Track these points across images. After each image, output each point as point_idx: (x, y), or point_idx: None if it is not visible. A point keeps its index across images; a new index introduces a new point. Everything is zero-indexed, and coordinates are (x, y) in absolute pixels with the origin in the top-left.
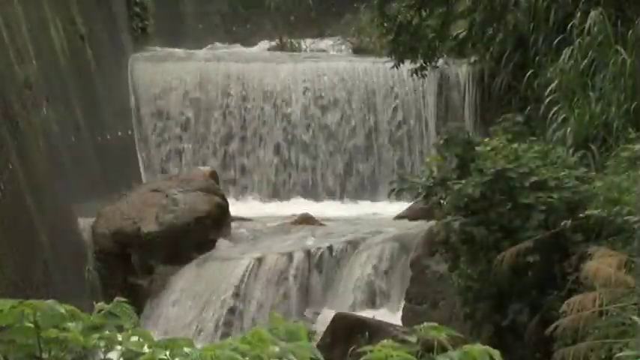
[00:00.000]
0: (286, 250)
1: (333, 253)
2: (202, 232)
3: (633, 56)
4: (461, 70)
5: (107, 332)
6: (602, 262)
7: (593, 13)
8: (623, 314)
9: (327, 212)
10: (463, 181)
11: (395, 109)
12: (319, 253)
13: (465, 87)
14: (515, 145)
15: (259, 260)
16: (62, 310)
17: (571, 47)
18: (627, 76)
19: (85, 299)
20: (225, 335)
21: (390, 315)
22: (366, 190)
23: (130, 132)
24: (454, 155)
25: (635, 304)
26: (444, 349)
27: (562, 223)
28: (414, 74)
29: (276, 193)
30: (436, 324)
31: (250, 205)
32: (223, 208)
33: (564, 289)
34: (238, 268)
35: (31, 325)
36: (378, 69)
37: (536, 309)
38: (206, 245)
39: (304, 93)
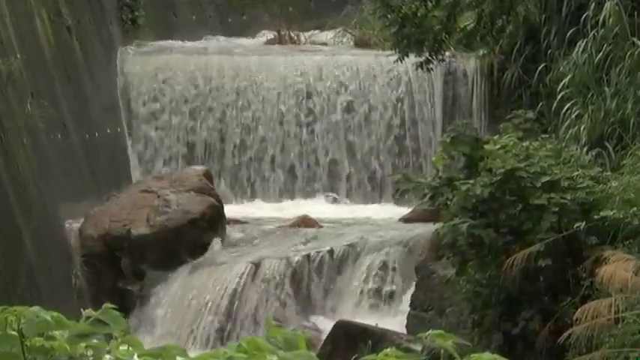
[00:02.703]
0: (284, 253)
1: (334, 257)
2: (196, 234)
3: None
4: (469, 64)
5: (95, 341)
6: (618, 267)
7: (608, 4)
8: None
9: (328, 214)
10: (471, 182)
11: (399, 106)
12: (319, 257)
13: (473, 82)
14: (526, 143)
15: (256, 265)
16: (48, 317)
17: (585, 40)
18: None
19: (72, 305)
20: (219, 344)
21: (394, 322)
22: (368, 190)
23: (119, 129)
24: (461, 154)
25: None
26: (450, 359)
27: (575, 226)
28: (420, 68)
29: (275, 193)
30: (442, 332)
31: (247, 207)
32: (218, 210)
33: (578, 295)
34: (234, 272)
35: (15, 333)
36: (380, 63)
37: (548, 316)
38: (200, 248)
39: (303, 88)
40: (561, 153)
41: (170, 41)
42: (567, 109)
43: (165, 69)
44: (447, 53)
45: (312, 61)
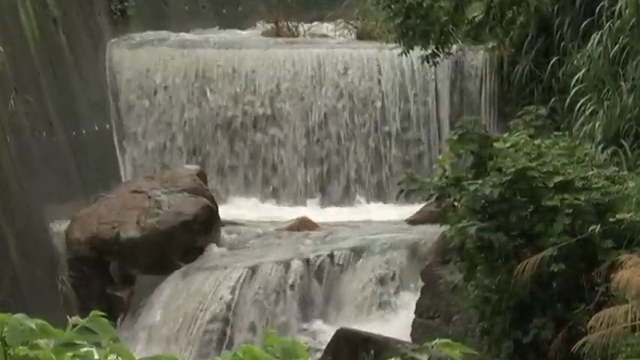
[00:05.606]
0: (283, 257)
1: (335, 261)
2: (189, 237)
3: None
4: (477, 58)
5: (82, 350)
6: (634, 272)
7: None
8: None
9: (328, 216)
10: (480, 182)
11: (403, 102)
12: (319, 261)
13: (482, 76)
14: (537, 141)
15: (253, 269)
16: (32, 325)
17: (600, 32)
18: None
19: (57, 312)
20: (214, 352)
21: (398, 330)
22: (371, 191)
23: (108, 126)
24: (469, 152)
25: None
26: None
27: (590, 229)
28: (425, 62)
29: (272, 195)
30: (449, 340)
31: (243, 208)
32: (212, 211)
33: (592, 301)
34: (229, 278)
35: None
36: (384, 56)
37: (561, 324)
38: (193, 252)
39: (300, 84)
40: (575, 151)
41: (161, 33)
42: (581, 105)
43: (156, 63)
44: (454, 46)
45: (310, 55)
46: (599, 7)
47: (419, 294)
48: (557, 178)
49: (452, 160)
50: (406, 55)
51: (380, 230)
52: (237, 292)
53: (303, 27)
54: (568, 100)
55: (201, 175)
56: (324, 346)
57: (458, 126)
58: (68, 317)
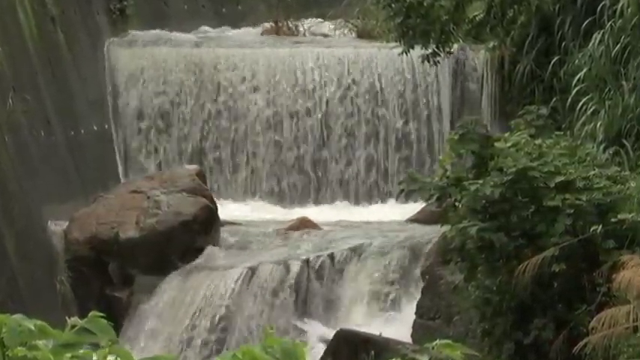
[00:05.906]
0: (282, 258)
1: (335, 262)
2: (188, 237)
3: None
4: (478, 57)
5: (81, 351)
6: (636, 272)
7: None
8: None
9: (328, 216)
10: (480, 181)
11: (403, 102)
12: (319, 261)
13: (483, 76)
14: (538, 141)
15: (252, 270)
16: (31, 326)
17: (601, 31)
18: None
19: (56, 313)
20: (213, 353)
21: (399, 331)
22: (372, 191)
23: (106, 126)
24: (470, 152)
25: None
26: None
27: (591, 229)
28: (426, 61)
29: (272, 195)
30: (450, 341)
31: (243, 209)
32: (212, 211)
33: (594, 302)
34: (229, 278)
35: None
36: (384, 56)
37: (562, 325)
38: (192, 252)
39: (300, 83)
40: (576, 151)
41: (160, 32)
42: (583, 105)
43: (154, 62)
44: (455, 45)
45: (311, 54)
46: (600, 6)
47: (419, 294)
48: (559, 178)
49: (453, 160)
50: (406, 55)
51: (380, 230)
52: (236, 293)
53: (303, 26)
54: (569, 100)
55: (201, 175)
56: (324, 347)
57: (459, 126)
58: (67, 318)
